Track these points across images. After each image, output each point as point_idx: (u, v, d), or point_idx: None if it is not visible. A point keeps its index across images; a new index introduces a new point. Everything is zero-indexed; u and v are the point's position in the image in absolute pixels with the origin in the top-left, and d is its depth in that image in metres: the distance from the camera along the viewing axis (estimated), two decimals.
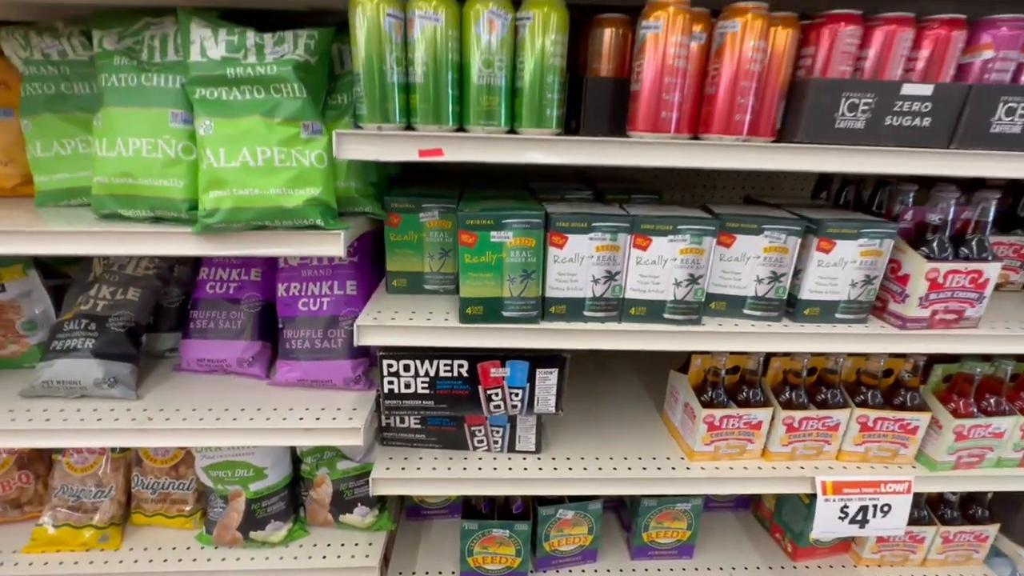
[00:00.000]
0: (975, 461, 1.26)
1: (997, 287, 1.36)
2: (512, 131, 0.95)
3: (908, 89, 0.92)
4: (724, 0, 0.89)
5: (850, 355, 1.27)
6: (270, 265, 1.34)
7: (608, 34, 1.00)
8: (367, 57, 0.86)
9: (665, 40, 0.87)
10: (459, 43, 0.89)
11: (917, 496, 1.30)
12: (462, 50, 0.89)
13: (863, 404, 1.26)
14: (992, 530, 1.44)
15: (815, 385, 1.30)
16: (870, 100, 0.92)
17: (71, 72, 1.08)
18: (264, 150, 0.90)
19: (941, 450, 1.23)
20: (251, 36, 0.91)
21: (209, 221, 0.90)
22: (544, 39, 0.88)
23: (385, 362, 1.10)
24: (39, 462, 1.42)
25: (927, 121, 0.94)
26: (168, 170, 0.94)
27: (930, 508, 1.45)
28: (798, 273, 1.09)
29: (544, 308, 1.05)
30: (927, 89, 0.92)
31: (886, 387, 1.29)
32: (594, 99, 1.01)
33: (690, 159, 0.93)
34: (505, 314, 1.03)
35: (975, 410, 1.23)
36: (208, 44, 0.90)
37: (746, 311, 1.10)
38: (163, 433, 1.12)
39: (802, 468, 1.24)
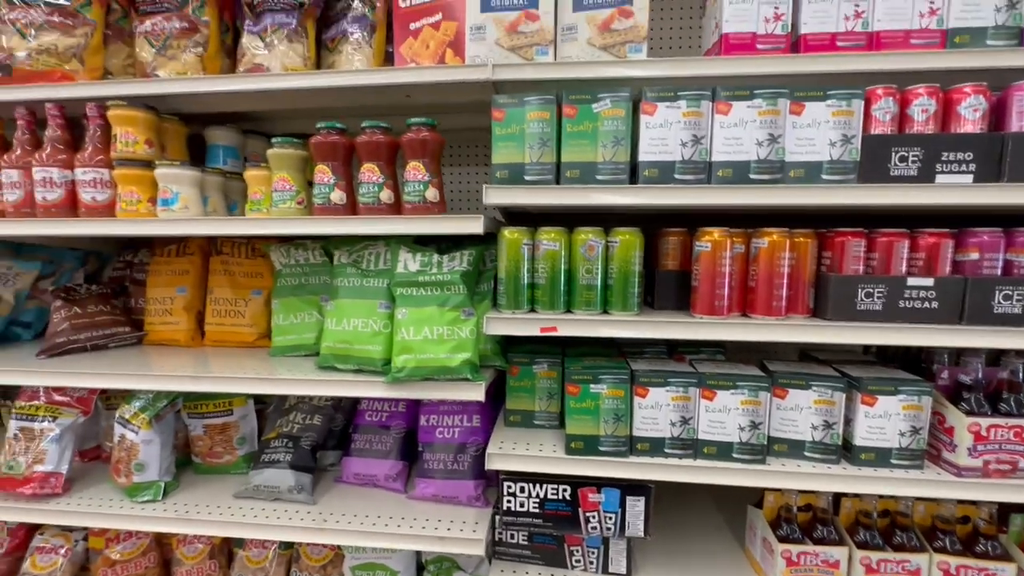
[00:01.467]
0: None
1: None
2: (605, 312, 1.33)
3: (913, 281, 1.21)
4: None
5: (918, 499, 1.39)
6: (414, 400, 1.75)
7: (671, 241, 1.42)
8: (508, 268, 1.32)
9: (713, 255, 1.25)
10: (569, 258, 1.32)
11: None
12: (571, 261, 1.32)
13: (942, 550, 1.34)
14: None
15: (890, 528, 1.40)
16: (883, 290, 1.22)
17: (309, 271, 1.66)
18: (437, 328, 1.35)
19: None
20: (435, 256, 1.42)
21: (399, 375, 1.33)
22: (627, 254, 1.29)
23: (505, 484, 1.41)
24: (223, 555, 1.79)
25: (935, 304, 1.20)
26: (373, 339, 1.41)
27: None
28: (850, 421, 1.30)
29: (632, 445, 1.33)
30: (929, 281, 1.21)
31: (964, 534, 1.37)
32: (663, 286, 1.40)
33: (740, 335, 1.25)
34: (601, 448, 1.32)
35: None
36: (408, 261, 1.41)
37: (806, 454, 1.31)
38: (333, 533, 1.46)
39: None
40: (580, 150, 1.25)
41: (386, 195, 1.38)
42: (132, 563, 1.73)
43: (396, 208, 1.41)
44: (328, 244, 1.61)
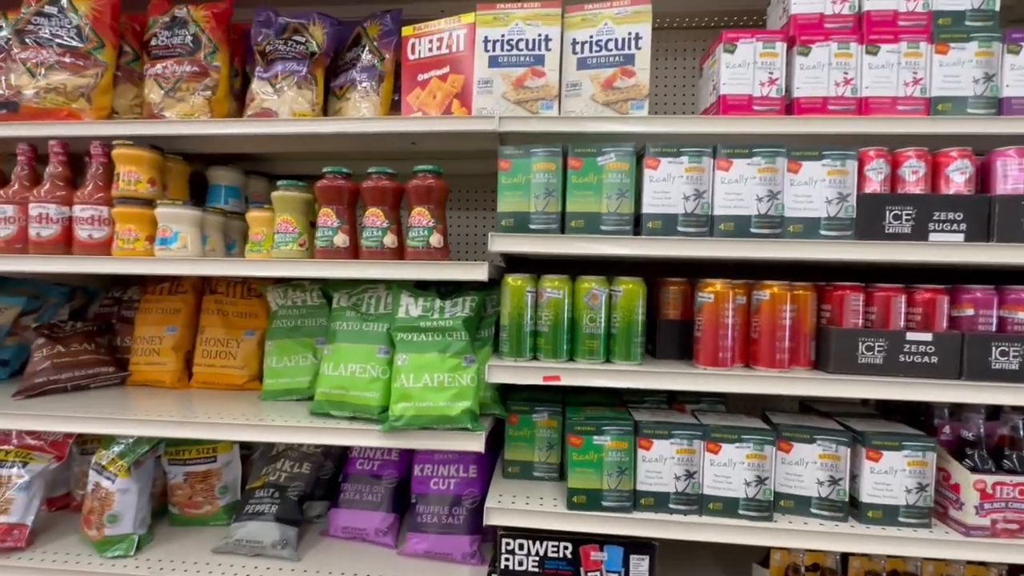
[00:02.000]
0: None
1: None
2: (608, 361, 1.32)
3: (912, 336, 1.23)
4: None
5: (926, 559, 1.36)
6: (407, 448, 1.69)
7: (673, 291, 1.43)
8: (511, 315, 1.31)
9: (716, 306, 1.26)
10: (572, 306, 1.32)
11: None
12: (574, 310, 1.32)
13: None
14: None
15: None
16: (883, 344, 1.23)
17: (306, 312, 1.63)
18: (438, 375, 1.32)
19: None
20: (437, 301, 1.41)
21: (396, 424, 1.29)
22: (630, 303, 1.29)
23: (504, 540, 1.35)
24: None
25: (935, 359, 1.22)
26: (370, 385, 1.37)
27: None
28: (855, 477, 1.28)
29: (636, 500, 1.29)
30: (928, 336, 1.22)
31: None
32: (665, 336, 1.40)
33: (744, 387, 1.24)
34: (604, 504, 1.28)
35: None
36: (410, 306, 1.40)
37: (813, 510, 1.28)
38: None
39: None
40: (585, 201, 1.27)
41: (390, 239, 1.38)
42: None
43: (399, 252, 1.41)
44: (327, 286, 1.59)
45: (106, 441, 1.57)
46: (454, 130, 1.37)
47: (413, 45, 1.53)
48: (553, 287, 1.30)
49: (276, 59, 1.61)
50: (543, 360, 1.31)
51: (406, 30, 1.53)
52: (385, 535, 1.56)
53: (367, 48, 1.68)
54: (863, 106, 1.31)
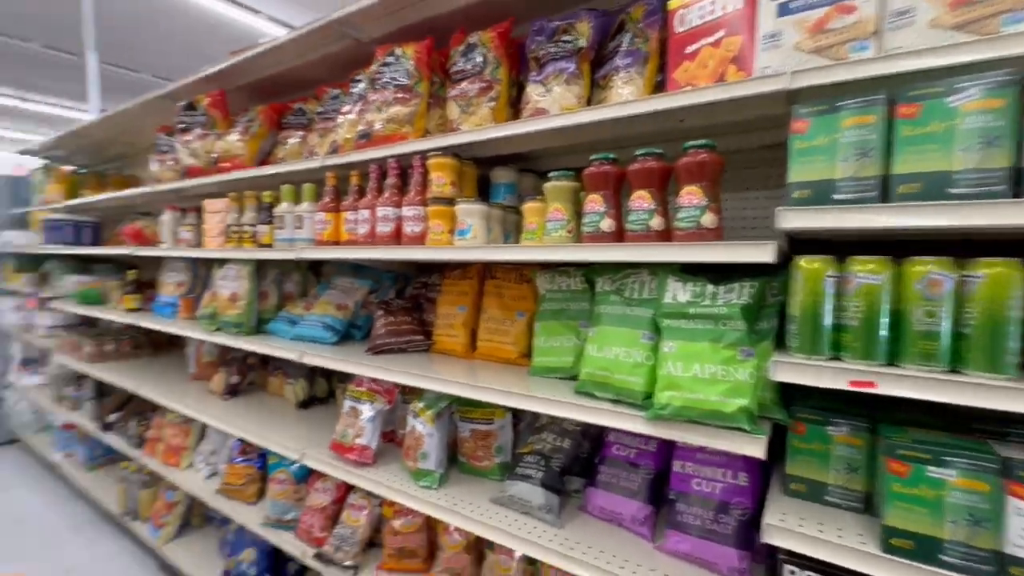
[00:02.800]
0: None
1: None
2: (954, 371, 0.99)
3: None
4: None
5: None
6: (665, 440, 1.62)
7: None
8: (804, 305, 1.11)
9: None
10: (896, 295, 1.03)
11: None
12: (900, 300, 1.03)
13: None
14: None
15: None
16: None
17: (571, 297, 1.73)
18: (709, 366, 1.21)
19: None
20: (709, 287, 1.30)
21: (662, 412, 1.24)
22: (997, 294, 0.94)
23: (788, 567, 1.16)
24: (476, 551, 1.96)
25: None
26: (634, 370, 1.36)
27: None
28: None
29: (1003, 565, 0.93)
30: None
31: None
32: None
33: None
34: (943, 558, 0.97)
35: None
36: (678, 291, 1.33)
37: None
38: (580, 564, 1.42)
39: None
40: (923, 157, 0.97)
41: (656, 222, 1.34)
42: (409, 537, 2.03)
43: (666, 235, 1.35)
44: (590, 271, 1.65)
45: (419, 393, 1.97)
46: (734, 96, 1.23)
47: (681, 16, 1.44)
48: (867, 271, 1.05)
49: (547, 61, 1.74)
50: (848, 361, 1.07)
51: (672, 2, 1.46)
52: (641, 525, 1.53)
53: (630, 33, 1.66)
54: None
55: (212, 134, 2.89)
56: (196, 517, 3.22)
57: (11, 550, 3.36)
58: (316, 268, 3.00)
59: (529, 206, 1.64)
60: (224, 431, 2.58)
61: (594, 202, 1.44)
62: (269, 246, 2.46)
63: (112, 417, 3.61)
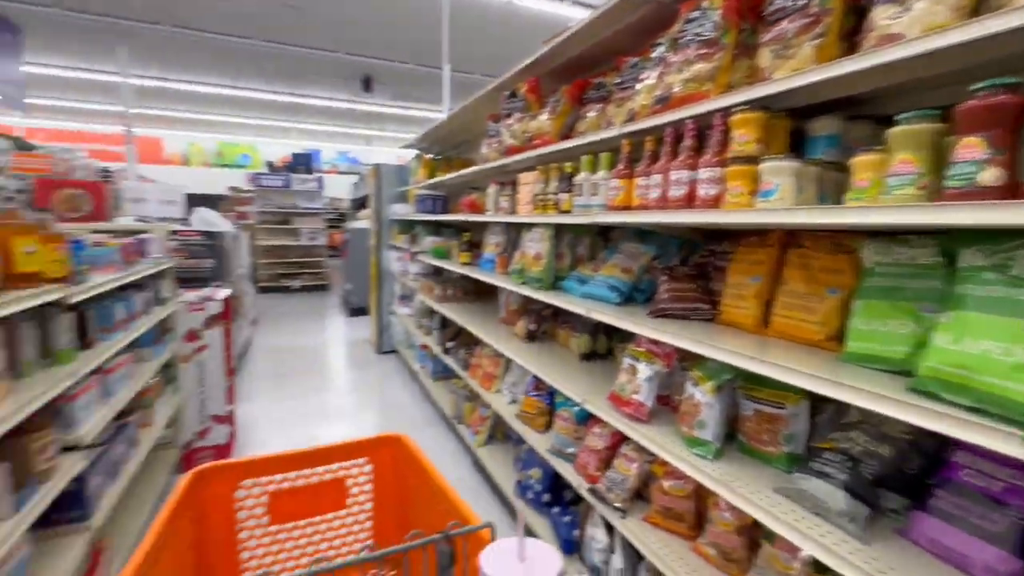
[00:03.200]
0: None
1: None
2: None
3: None
4: None
5: None
6: None
7: None
8: None
9: None
10: None
11: None
12: None
13: None
14: None
15: None
16: None
17: (911, 272, 1.37)
18: None
19: None
20: None
21: None
22: None
23: None
24: (748, 536, 1.84)
25: None
26: (1014, 373, 1.01)
27: None
28: None
29: None
30: None
31: None
32: None
33: None
34: None
35: None
36: None
37: None
38: None
39: None
40: None
41: None
42: (677, 500, 2.06)
43: None
44: (953, 240, 1.26)
45: (699, 362, 1.93)
46: None
47: None
48: None
49: None
50: None
51: None
52: None
53: None
54: None
55: (527, 116, 3.38)
56: (499, 432, 4.02)
57: (395, 427, 4.91)
58: (605, 233, 3.21)
59: (862, 159, 1.36)
60: (524, 367, 3.11)
61: (971, 147, 1.08)
62: (568, 212, 2.76)
63: (449, 344, 4.78)
